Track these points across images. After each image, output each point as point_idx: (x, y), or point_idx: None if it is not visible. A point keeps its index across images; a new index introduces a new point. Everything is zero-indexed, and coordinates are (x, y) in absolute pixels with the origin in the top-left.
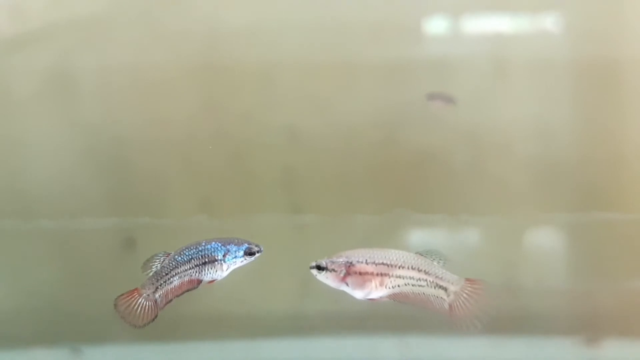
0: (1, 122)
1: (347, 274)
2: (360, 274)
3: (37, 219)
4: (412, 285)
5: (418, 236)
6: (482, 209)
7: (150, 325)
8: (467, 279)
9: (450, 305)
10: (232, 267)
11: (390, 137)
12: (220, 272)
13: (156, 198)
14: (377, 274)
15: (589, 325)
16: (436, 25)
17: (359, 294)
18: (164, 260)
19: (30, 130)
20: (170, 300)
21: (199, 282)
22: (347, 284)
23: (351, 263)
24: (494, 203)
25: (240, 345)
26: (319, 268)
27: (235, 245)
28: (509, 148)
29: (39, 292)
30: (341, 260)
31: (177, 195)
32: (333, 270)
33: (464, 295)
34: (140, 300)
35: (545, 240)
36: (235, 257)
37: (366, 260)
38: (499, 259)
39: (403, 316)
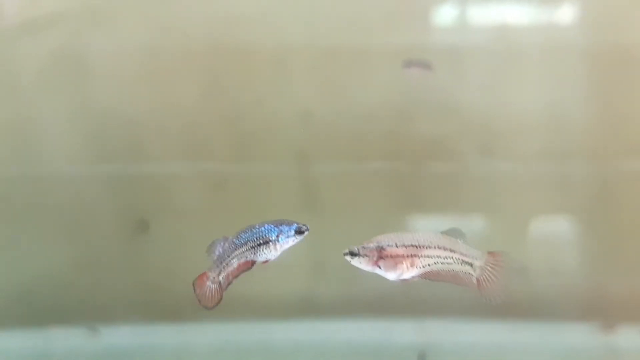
0: (13, 104)
1: (380, 257)
2: (391, 257)
3: (49, 200)
4: (441, 263)
5: (428, 225)
6: (492, 199)
7: (165, 306)
8: (489, 253)
9: (477, 280)
10: (285, 247)
11: (404, 124)
12: (274, 252)
13: (168, 181)
14: (407, 256)
15: (604, 311)
16: (450, 12)
17: (391, 275)
18: (224, 244)
19: (41, 113)
20: (231, 282)
21: (254, 262)
22: (379, 267)
23: (382, 247)
24: (505, 192)
25: (253, 326)
26: (352, 254)
27: (286, 225)
28: (521, 136)
29: (56, 273)
30: (372, 245)
31: (189, 179)
32: (366, 255)
33: (489, 268)
34: (208, 284)
35: (558, 229)
36: (288, 236)
37: (396, 243)
38: (510, 248)
39: (419, 299)
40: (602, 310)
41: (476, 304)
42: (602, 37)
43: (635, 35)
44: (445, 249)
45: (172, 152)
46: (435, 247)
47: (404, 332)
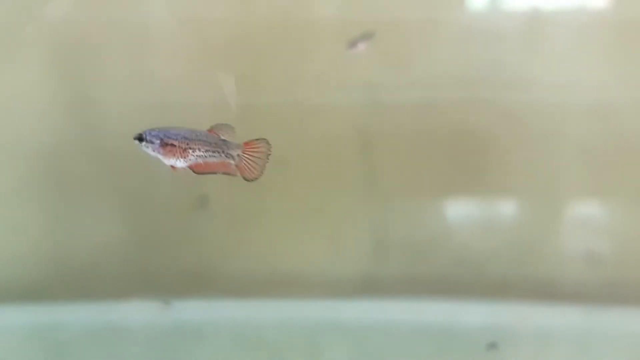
0: (71, 75)
1: (160, 146)
2: (169, 146)
3: (111, 172)
4: (208, 156)
5: (482, 206)
6: (551, 183)
7: (232, 283)
8: (245, 143)
9: (237, 166)
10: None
11: (472, 99)
12: None
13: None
14: (179, 148)
15: None
16: None
17: (167, 162)
18: None
19: (101, 85)
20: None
21: None
22: (159, 154)
23: (162, 138)
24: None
25: (318, 304)
26: (140, 139)
27: None
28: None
29: (119, 245)
30: (155, 133)
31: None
32: (151, 142)
33: (247, 155)
34: None
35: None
36: None
37: (172, 135)
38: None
39: (487, 281)
40: None
41: (550, 287)
42: None
43: None
44: (210, 143)
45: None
46: (201, 141)
47: (473, 314)
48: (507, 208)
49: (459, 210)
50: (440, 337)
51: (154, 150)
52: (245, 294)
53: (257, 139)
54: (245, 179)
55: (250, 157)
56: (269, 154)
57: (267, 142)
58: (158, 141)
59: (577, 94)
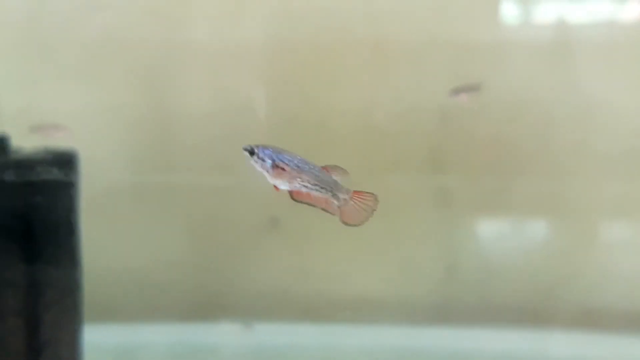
0: (152, 95)
1: (271, 166)
2: (279, 168)
3: (184, 198)
4: (314, 190)
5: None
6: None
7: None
8: (355, 191)
9: (339, 208)
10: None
11: (546, 122)
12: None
13: None
14: (289, 174)
15: None
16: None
17: (273, 181)
18: None
19: (179, 102)
20: None
21: None
22: (267, 172)
23: (273, 160)
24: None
25: (394, 330)
26: (251, 153)
27: None
28: None
29: (194, 267)
30: (267, 152)
31: None
32: (263, 160)
33: (352, 202)
34: None
35: None
36: None
37: (285, 160)
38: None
39: (574, 312)
40: None
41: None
42: None
43: None
44: (321, 179)
45: (304, 146)
46: (313, 175)
47: (556, 344)
48: (581, 232)
49: (534, 233)
50: None
51: (262, 167)
52: (318, 316)
53: (367, 192)
54: (344, 223)
55: (356, 205)
56: (374, 210)
57: (376, 199)
58: (270, 161)
59: None
